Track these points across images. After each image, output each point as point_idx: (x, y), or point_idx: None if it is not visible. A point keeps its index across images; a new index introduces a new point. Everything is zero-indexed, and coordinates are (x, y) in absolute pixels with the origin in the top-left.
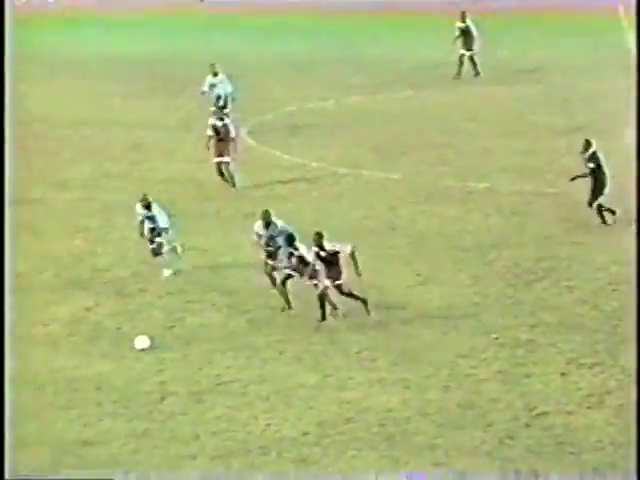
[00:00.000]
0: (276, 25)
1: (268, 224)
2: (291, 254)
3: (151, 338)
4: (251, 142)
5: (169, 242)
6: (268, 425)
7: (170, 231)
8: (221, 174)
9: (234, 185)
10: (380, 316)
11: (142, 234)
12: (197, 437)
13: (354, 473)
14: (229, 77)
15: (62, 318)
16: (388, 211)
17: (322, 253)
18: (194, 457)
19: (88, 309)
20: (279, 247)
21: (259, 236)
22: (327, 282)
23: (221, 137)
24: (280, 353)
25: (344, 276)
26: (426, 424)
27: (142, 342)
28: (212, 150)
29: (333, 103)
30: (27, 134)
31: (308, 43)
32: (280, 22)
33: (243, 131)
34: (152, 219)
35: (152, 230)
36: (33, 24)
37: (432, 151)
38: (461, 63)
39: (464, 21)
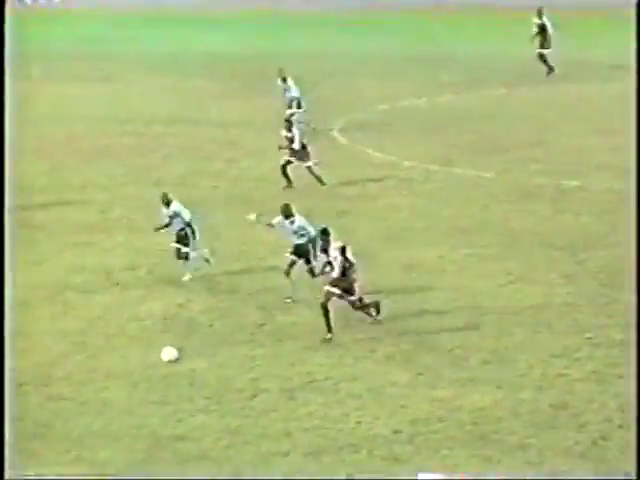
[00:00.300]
0: (368, 23)
1: (287, 217)
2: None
3: (243, 334)
4: (343, 140)
5: (194, 248)
6: (359, 423)
7: (196, 232)
8: (285, 174)
9: (324, 183)
10: (471, 315)
11: (161, 228)
12: (289, 434)
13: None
14: (297, 81)
15: (156, 314)
16: (480, 210)
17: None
18: (286, 454)
19: (181, 306)
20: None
21: (280, 225)
22: (333, 289)
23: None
24: (371, 351)
25: (357, 290)
26: (518, 424)
27: (169, 354)
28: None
29: (425, 101)
30: (123, 132)
31: (400, 41)
32: (372, 20)
33: (335, 129)
34: (178, 215)
35: (181, 230)
36: (126, 22)
37: (525, 149)
38: (544, 61)
39: (540, 18)
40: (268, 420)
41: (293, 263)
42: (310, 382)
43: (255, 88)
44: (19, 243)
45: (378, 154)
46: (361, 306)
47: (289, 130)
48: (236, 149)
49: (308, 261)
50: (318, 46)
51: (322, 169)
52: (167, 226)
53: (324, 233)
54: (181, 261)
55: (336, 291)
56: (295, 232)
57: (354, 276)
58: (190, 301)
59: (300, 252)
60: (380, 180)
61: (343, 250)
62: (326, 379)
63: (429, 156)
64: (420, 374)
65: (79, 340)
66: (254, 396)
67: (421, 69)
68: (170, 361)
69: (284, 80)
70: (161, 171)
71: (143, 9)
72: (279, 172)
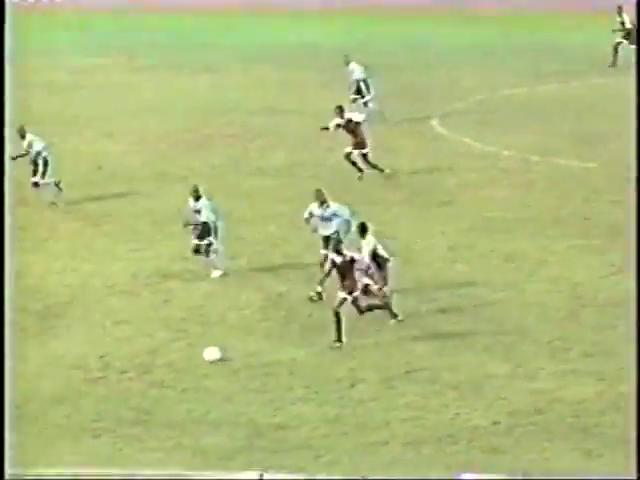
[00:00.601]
0: (465, 13)
1: (322, 203)
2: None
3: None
4: (442, 130)
5: (213, 244)
6: (458, 414)
7: (218, 227)
8: (352, 163)
9: (383, 171)
10: (572, 306)
11: (186, 224)
12: (387, 424)
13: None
14: (365, 65)
15: (255, 303)
16: (582, 201)
17: (337, 259)
18: (385, 443)
19: (280, 295)
20: (334, 233)
21: (311, 215)
22: (342, 294)
23: (352, 130)
24: (470, 342)
25: (360, 286)
26: (620, 417)
27: (212, 353)
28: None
29: (525, 91)
30: (224, 122)
31: (499, 30)
32: (470, 10)
33: (434, 120)
34: (199, 212)
35: (203, 225)
36: (225, 13)
37: (628, 140)
38: (616, 51)
39: (620, 15)
40: (366, 410)
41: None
42: (409, 372)
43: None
44: (121, 231)
45: (477, 144)
46: (367, 308)
47: (341, 115)
48: (335, 139)
49: (339, 252)
50: (416, 37)
51: (421, 159)
52: (193, 224)
53: (362, 229)
54: (202, 256)
55: (346, 296)
56: (324, 219)
57: (382, 274)
58: (289, 291)
59: (329, 244)
60: (479, 170)
61: (374, 255)
62: (425, 369)
63: (529, 146)
64: (519, 366)
65: (180, 328)
66: (352, 385)
67: (521, 58)
68: (213, 361)
69: (347, 64)
70: (261, 161)
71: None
72: (377, 162)
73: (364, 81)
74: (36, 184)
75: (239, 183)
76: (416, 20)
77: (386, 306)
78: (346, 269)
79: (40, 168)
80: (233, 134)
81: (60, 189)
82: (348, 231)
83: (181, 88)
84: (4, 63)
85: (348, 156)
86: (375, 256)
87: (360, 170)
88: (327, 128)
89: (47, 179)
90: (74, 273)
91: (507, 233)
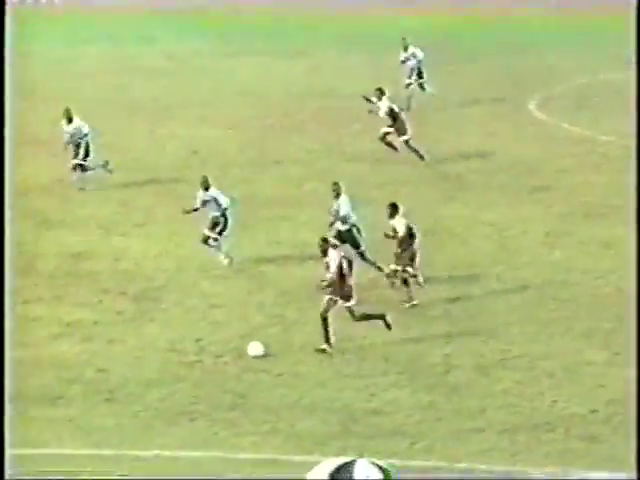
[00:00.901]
0: None
1: (337, 196)
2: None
3: (437, 309)
4: (539, 115)
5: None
6: (555, 401)
7: (229, 220)
8: (387, 144)
9: (422, 157)
10: None
11: (190, 211)
12: (483, 411)
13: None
14: (421, 48)
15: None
16: None
17: (345, 263)
18: (480, 430)
19: (373, 280)
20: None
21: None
22: (334, 297)
23: (393, 115)
24: (567, 329)
25: (355, 295)
26: None
27: (255, 349)
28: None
29: (625, 75)
30: (319, 107)
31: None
32: None
33: (531, 104)
34: (215, 201)
35: (215, 217)
36: None
37: None
38: None
39: None
40: (461, 396)
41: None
42: (504, 359)
43: (446, 63)
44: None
45: (576, 129)
46: (362, 317)
47: (380, 98)
48: (429, 123)
49: (357, 246)
50: (512, 21)
51: (519, 144)
52: (196, 210)
53: (393, 210)
54: (213, 247)
55: (336, 298)
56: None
57: (409, 253)
58: (382, 276)
59: (344, 238)
60: (577, 155)
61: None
62: (521, 356)
63: (628, 131)
64: (617, 353)
65: (275, 313)
66: (447, 372)
67: (622, 43)
68: (256, 356)
69: (405, 49)
70: (355, 146)
71: None
72: (473, 147)
73: (419, 65)
74: (80, 166)
75: (333, 168)
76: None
77: (380, 317)
78: (347, 274)
79: (82, 151)
80: (328, 119)
81: (109, 171)
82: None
83: (276, 73)
84: (4, 62)
85: (384, 137)
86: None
87: (395, 149)
88: (370, 100)
89: (89, 162)
90: (170, 257)
91: (605, 219)
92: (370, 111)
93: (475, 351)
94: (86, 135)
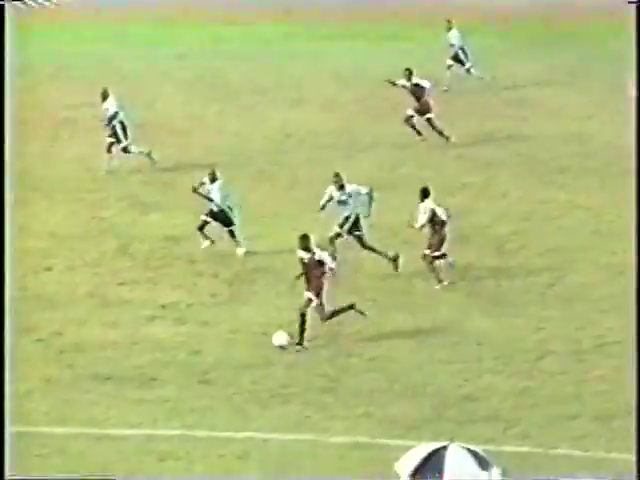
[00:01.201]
0: None
1: (341, 187)
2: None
3: (532, 295)
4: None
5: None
6: None
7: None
8: (411, 127)
9: (448, 138)
10: None
11: (198, 193)
12: (578, 397)
13: None
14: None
15: (443, 272)
16: None
17: (305, 258)
18: (575, 417)
19: (467, 265)
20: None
21: (331, 198)
22: (309, 294)
23: (417, 95)
24: None
25: (324, 294)
26: None
27: (280, 338)
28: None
29: None
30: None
31: None
32: None
33: (629, 87)
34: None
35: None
36: None
37: None
38: None
39: None
40: (556, 382)
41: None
42: (600, 345)
43: (545, 44)
44: (308, 199)
45: None
46: (330, 315)
47: (408, 78)
48: (528, 107)
49: (357, 230)
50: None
51: (613, 127)
52: (204, 195)
53: (424, 194)
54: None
55: (312, 297)
56: (340, 202)
57: (438, 237)
58: (477, 261)
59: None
60: None
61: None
62: (617, 342)
63: None
64: None
65: (368, 297)
66: (542, 357)
67: None
68: (281, 346)
69: (448, 30)
70: (453, 130)
71: None
72: (571, 130)
73: (462, 49)
74: (125, 149)
75: (428, 152)
76: None
77: (350, 307)
78: (312, 269)
79: (119, 132)
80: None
81: (152, 159)
82: (367, 213)
83: (370, 56)
84: (4, 58)
85: (408, 119)
86: (433, 220)
87: (419, 133)
88: (394, 83)
89: (127, 144)
90: (262, 240)
91: None
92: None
93: (570, 337)
94: (117, 114)
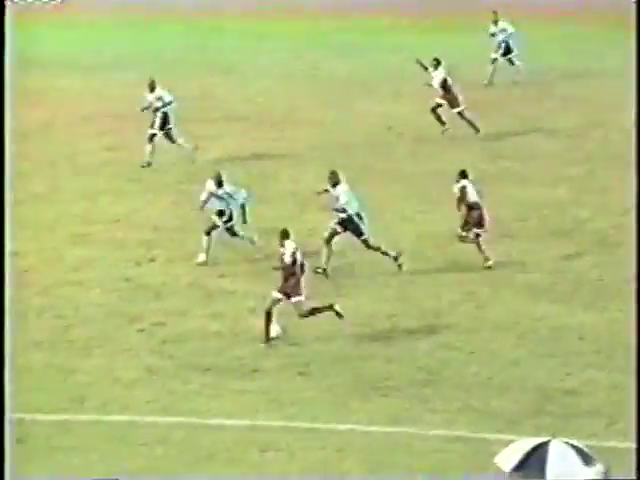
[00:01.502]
0: None
1: (335, 185)
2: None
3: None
4: None
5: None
6: None
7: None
8: (436, 117)
9: (478, 130)
10: None
11: (202, 208)
12: None
13: None
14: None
15: (544, 266)
16: None
17: (285, 257)
18: None
19: (569, 257)
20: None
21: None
22: (277, 295)
23: (446, 88)
24: None
25: (304, 292)
26: None
27: (273, 331)
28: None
29: None
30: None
31: None
32: None
33: None
34: (230, 197)
35: (222, 212)
36: None
37: None
38: None
39: None
40: None
41: (336, 233)
42: None
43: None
44: (409, 192)
45: None
46: (309, 312)
47: (436, 69)
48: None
49: (360, 234)
50: None
51: None
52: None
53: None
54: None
55: (280, 296)
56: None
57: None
58: (578, 254)
59: (346, 224)
60: None
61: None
62: None
63: None
64: None
65: (468, 290)
66: None
67: None
68: (276, 337)
69: (495, 23)
70: (552, 122)
71: None
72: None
73: (506, 41)
74: (154, 136)
75: (530, 144)
76: None
77: (329, 307)
78: (292, 270)
79: (158, 120)
80: (526, 94)
81: (193, 152)
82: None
83: (471, 47)
84: (4, 58)
85: (434, 109)
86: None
87: (443, 123)
88: (425, 67)
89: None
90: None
91: None
92: (426, 84)
93: None
94: (166, 105)
